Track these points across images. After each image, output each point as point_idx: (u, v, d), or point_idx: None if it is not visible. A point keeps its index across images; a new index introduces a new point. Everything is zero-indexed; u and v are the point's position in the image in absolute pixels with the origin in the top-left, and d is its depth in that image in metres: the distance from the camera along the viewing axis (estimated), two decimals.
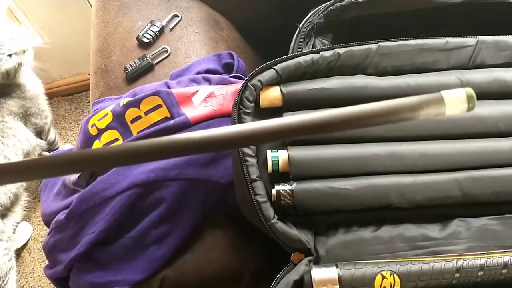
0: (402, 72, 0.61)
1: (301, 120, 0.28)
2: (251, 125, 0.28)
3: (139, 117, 0.70)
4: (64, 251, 0.69)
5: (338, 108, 0.28)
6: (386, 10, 0.68)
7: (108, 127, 0.72)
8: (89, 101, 1.03)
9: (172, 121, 0.69)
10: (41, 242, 1.48)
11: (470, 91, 0.29)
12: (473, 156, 0.56)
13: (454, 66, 0.62)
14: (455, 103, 0.29)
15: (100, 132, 0.72)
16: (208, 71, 0.78)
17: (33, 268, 1.44)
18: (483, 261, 0.51)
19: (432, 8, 0.67)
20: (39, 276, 1.43)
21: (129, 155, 0.27)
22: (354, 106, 0.28)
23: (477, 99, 0.57)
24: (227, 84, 0.74)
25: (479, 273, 0.50)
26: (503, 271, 0.50)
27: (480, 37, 0.62)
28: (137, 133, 0.70)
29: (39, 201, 1.54)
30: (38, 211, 1.53)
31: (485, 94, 0.59)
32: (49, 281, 0.76)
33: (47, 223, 0.75)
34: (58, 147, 1.52)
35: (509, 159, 0.56)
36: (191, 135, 0.27)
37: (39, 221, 1.51)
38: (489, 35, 0.62)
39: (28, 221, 1.51)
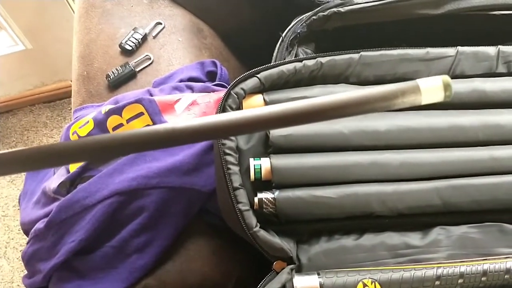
0: (384, 81, 0.62)
1: (273, 110, 0.28)
2: (232, 114, 0.28)
3: (120, 125, 0.70)
4: (43, 260, 0.68)
5: (312, 99, 0.28)
6: (368, 20, 0.69)
7: (89, 135, 0.71)
8: (71, 108, 1.02)
9: None
10: (20, 251, 1.45)
11: (447, 78, 0.29)
12: (453, 165, 0.57)
13: None
14: (431, 92, 0.29)
15: None
16: (191, 79, 0.78)
17: (12, 278, 1.42)
18: (463, 269, 0.51)
19: (413, 20, 0.68)
20: (18, 286, 1.41)
21: (105, 147, 0.27)
22: (328, 96, 0.28)
23: (457, 109, 0.60)
24: (210, 92, 0.74)
25: (459, 281, 0.51)
26: (482, 278, 0.51)
27: (460, 48, 0.63)
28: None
29: (18, 209, 1.52)
30: (17, 220, 1.50)
31: (464, 104, 0.60)
32: None
33: (26, 232, 0.74)
34: None
35: (488, 167, 0.57)
36: (174, 125, 0.27)
37: (18, 230, 1.49)
38: (469, 46, 0.63)
39: (7, 230, 1.49)
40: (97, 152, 0.28)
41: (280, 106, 0.29)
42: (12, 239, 1.48)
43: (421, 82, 0.29)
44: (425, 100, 0.29)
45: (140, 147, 0.29)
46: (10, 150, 0.27)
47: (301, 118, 0.29)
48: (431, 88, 0.29)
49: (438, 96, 0.29)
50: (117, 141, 0.28)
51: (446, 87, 0.29)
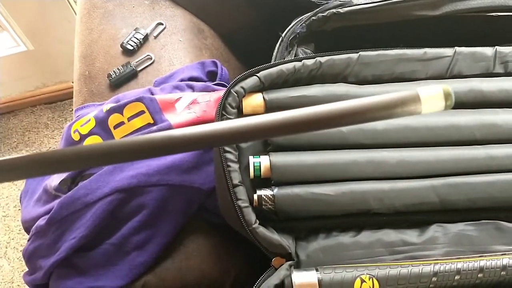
0: (382, 81, 0.63)
1: (273, 119, 0.27)
2: (230, 123, 0.28)
3: (122, 123, 0.71)
4: (44, 257, 0.68)
5: (312, 107, 0.27)
6: (367, 21, 0.70)
7: (90, 133, 0.72)
8: (72, 110, 1.02)
9: (154, 127, 0.69)
10: (20, 251, 1.45)
11: (447, 88, 0.29)
12: (450, 163, 0.57)
13: (432, 76, 0.63)
14: (431, 101, 0.28)
15: (83, 137, 0.72)
16: (192, 79, 0.79)
17: (12, 278, 1.42)
18: (459, 265, 0.52)
19: (411, 21, 0.69)
20: (18, 286, 1.41)
21: (102, 155, 0.27)
22: (327, 105, 0.27)
23: (454, 109, 0.60)
24: (210, 92, 0.75)
25: (456, 277, 0.51)
26: (478, 275, 0.52)
27: (457, 48, 0.63)
28: (120, 139, 0.70)
29: (19, 209, 1.52)
30: (18, 220, 1.51)
31: (461, 103, 0.61)
32: None
33: (27, 230, 0.74)
34: None
35: (484, 166, 0.57)
36: (172, 133, 0.27)
37: (19, 230, 1.49)
38: (466, 46, 0.64)
39: (8, 230, 1.49)
40: (94, 160, 0.28)
41: (280, 114, 0.29)
42: (13, 239, 1.49)
43: (421, 91, 0.29)
44: (425, 109, 0.29)
45: (137, 156, 0.29)
46: (5, 157, 0.27)
47: (301, 127, 0.28)
48: (432, 98, 0.29)
49: (438, 106, 0.29)
50: (114, 149, 0.28)
51: (447, 96, 0.29)
